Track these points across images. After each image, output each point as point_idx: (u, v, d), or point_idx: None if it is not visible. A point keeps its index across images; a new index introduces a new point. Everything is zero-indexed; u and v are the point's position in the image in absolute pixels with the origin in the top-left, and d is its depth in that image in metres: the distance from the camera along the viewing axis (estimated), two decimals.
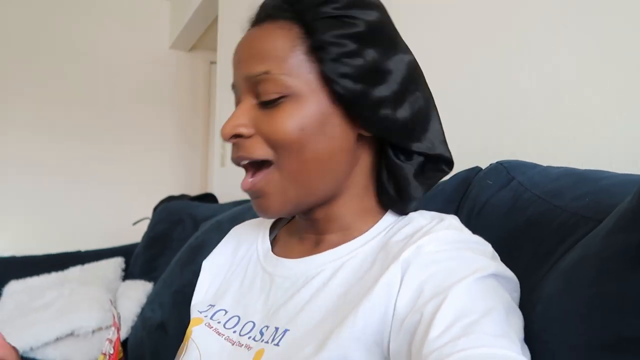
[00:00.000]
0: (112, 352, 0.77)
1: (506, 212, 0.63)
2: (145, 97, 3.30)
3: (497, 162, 0.74)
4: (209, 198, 2.15)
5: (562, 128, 0.81)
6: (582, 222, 0.51)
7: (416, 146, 0.53)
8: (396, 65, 0.52)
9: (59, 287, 1.60)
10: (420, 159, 0.54)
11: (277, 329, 0.51)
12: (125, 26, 3.25)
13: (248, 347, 0.52)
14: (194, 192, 2.81)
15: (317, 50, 0.49)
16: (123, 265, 1.82)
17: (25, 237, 2.81)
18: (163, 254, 1.70)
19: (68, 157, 3.02)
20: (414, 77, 0.54)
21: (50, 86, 2.99)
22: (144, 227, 2.01)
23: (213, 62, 3.46)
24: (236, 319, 0.57)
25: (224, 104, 2.40)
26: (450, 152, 0.56)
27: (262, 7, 0.55)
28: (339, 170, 0.53)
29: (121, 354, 0.84)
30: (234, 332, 0.55)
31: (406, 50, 0.55)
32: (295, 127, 0.49)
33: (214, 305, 0.62)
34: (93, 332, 1.42)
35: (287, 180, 0.51)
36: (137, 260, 1.79)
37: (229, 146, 2.44)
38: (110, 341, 0.79)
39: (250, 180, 0.53)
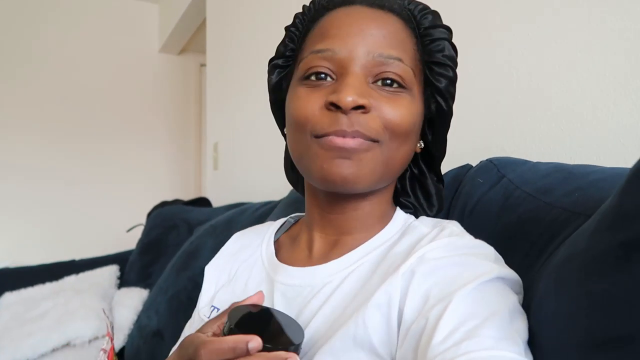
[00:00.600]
0: None
1: (497, 210, 0.63)
2: (136, 101, 3.29)
3: (487, 160, 0.74)
4: (203, 202, 2.15)
5: (551, 123, 0.81)
6: (572, 218, 0.51)
7: (439, 166, 0.61)
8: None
9: (54, 297, 1.59)
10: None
11: None
12: (115, 31, 3.24)
13: None
14: (187, 196, 2.80)
15: (425, 64, 0.55)
16: (118, 273, 1.81)
17: (16, 246, 2.79)
18: (158, 260, 1.69)
19: (58, 162, 2.99)
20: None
21: (40, 91, 2.97)
22: (138, 233, 2.00)
23: (203, 65, 3.45)
24: None
25: (215, 106, 2.39)
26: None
27: None
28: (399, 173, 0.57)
29: None
30: None
31: None
32: (412, 121, 0.52)
33: (217, 309, 0.61)
34: (89, 341, 1.41)
35: (382, 162, 0.51)
36: (132, 267, 1.79)
37: (221, 149, 2.41)
38: (105, 351, 0.79)
39: (354, 142, 0.48)
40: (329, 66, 0.50)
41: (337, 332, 0.45)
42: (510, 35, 0.88)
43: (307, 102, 0.50)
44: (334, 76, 0.51)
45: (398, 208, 0.60)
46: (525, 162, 0.70)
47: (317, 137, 0.50)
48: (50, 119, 2.98)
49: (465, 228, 0.54)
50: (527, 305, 0.45)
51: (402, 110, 0.50)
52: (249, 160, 1.99)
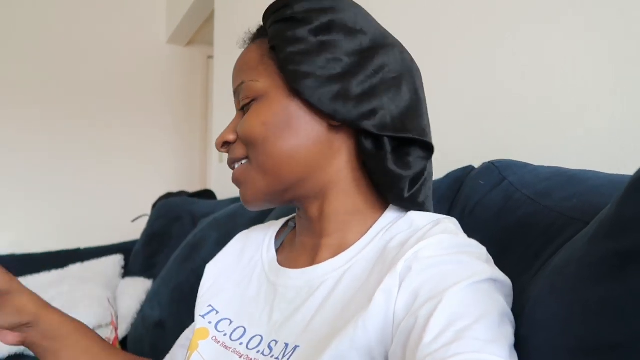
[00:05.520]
0: None
1: (497, 212, 0.64)
2: (143, 92, 3.29)
3: (489, 162, 0.75)
4: (208, 194, 2.16)
5: (555, 127, 0.82)
6: (569, 223, 0.51)
7: (377, 130, 0.52)
8: (344, 46, 0.53)
9: (59, 285, 1.61)
10: (391, 146, 0.53)
11: (286, 345, 0.51)
12: (122, 21, 3.24)
13: None
14: (192, 188, 2.81)
15: (273, 51, 0.55)
16: (122, 263, 1.83)
17: (24, 235, 2.81)
18: (162, 251, 1.71)
19: (65, 152, 3.01)
20: (367, 57, 0.54)
21: (46, 83, 2.97)
22: (143, 224, 2.02)
23: (210, 57, 3.45)
24: (242, 330, 0.57)
25: (222, 99, 2.40)
26: (421, 135, 0.54)
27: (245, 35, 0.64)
28: (311, 161, 0.54)
29: None
30: (241, 344, 0.55)
31: (361, 32, 0.55)
32: (258, 123, 0.54)
33: (217, 311, 0.61)
34: (93, 329, 1.43)
35: (256, 171, 0.56)
36: (137, 258, 1.80)
37: None
38: (109, 339, 0.81)
39: (236, 172, 0.59)
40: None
41: (337, 335, 0.46)
42: (514, 36, 0.89)
43: None
44: None
45: (391, 205, 0.57)
46: (527, 165, 0.70)
47: None
48: (57, 109, 2.99)
49: (464, 228, 0.54)
50: (521, 308, 0.45)
51: (247, 121, 0.55)
52: None
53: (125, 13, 3.25)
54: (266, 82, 0.55)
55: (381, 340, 0.45)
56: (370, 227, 0.55)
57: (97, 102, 3.13)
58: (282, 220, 0.70)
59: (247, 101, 0.56)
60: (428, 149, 0.56)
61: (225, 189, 2.20)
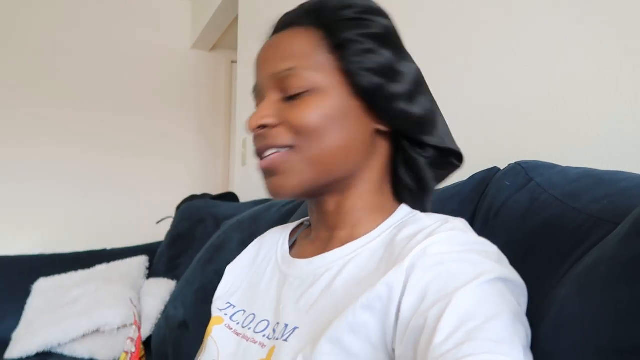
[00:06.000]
0: (133, 350, 0.79)
1: (523, 213, 0.63)
2: (168, 97, 3.35)
3: (515, 163, 0.73)
4: (230, 197, 2.18)
5: (583, 127, 0.80)
6: (599, 224, 0.50)
7: (428, 139, 0.57)
8: (407, 69, 0.57)
9: (85, 285, 1.64)
10: (432, 152, 0.58)
11: (286, 325, 0.53)
12: (147, 27, 3.30)
13: (262, 345, 0.54)
14: (215, 191, 2.84)
15: (339, 48, 0.54)
16: (147, 264, 1.86)
17: (54, 236, 2.88)
18: (185, 253, 1.72)
19: (93, 156, 3.08)
20: (421, 83, 0.59)
21: (73, 88, 3.05)
22: (167, 225, 2.04)
23: (234, 61, 3.48)
24: (252, 316, 0.59)
25: (245, 103, 2.42)
26: (459, 148, 0.60)
27: (284, 17, 0.60)
28: (354, 160, 0.56)
29: (143, 352, 0.86)
30: (249, 329, 0.58)
31: (412, 60, 0.59)
32: (318, 116, 0.53)
33: (233, 306, 0.64)
34: (118, 329, 1.46)
35: (305, 162, 0.54)
36: (161, 259, 1.83)
37: (250, 145, 2.45)
38: (132, 340, 0.82)
39: (269, 157, 0.55)
40: (259, 98, 0.58)
41: (336, 319, 0.47)
42: (542, 37, 0.87)
43: None
44: None
45: (403, 204, 0.59)
46: (555, 166, 0.69)
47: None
48: (84, 113, 3.07)
49: (489, 230, 0.54)
50: (547, 309, 0.44)
51: (305, 111, 0.53)
52: None
53: (151, 18, 3.33)
54: (326, 76, 0.54)
55: (380, 330, 0.45)
56: (381, 223, 0.57)
57: (124, 106, 3.19)
58: (298, 222, 0.71)
59: (299, 90, 0.54)
60: (459, 159, 0.60)
61: (247, 191, 2.21)
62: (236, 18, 2.68)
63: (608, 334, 0.35)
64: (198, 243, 1.66)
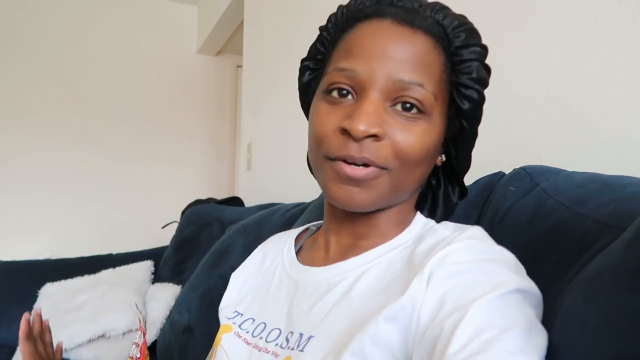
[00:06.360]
0: (138, 355, 0.79)
1: (529, 219, 0.62)
2: (173, 102, 3.36)
3: (520, 168, 0.73)
4: (235, 201, 2.18)
5: (588, 132, 0.79)
6: (605, 230, 0.50)
7: (462, 179, 0.61)
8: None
9: (92, 290, 1.65)
10: (458, 189, 0.62)
11: (301, 335, 0.51)
12: (153, 32, 3.32)
13: (275, 355, 0.52)
14: (220, 195, 2.85)
15: (453, 85, 0.53)
16: (152, 269, 1.86)
17: (60, 241, 2.90)
18: (191, 257, 1.73)
19: (98, 161, 3.10)
20: None
21: (79, 93, 3.07)
22: (172, 230, 2.05)
23: (239, 66, 3.50)
24: (262, 325, 0.58)
25: (250, 108, 2.43)
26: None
27: (416, 8, 0.53)
28: (418, 187, 0.58)
29: (148, 357, 0.86)
30: (261, 338, 0.56)
31: None
32: (424, 149, 0.51)
33: (241, 314, 0.63)
34: (124, 334, 1.46)
35: (391, 185, 0.51)
36: (166, 263, 1.83)
37: (254, 150, 2.45)
38: (137, 345, 0.82)
39: (364, 171, 0.49)
40: (350, 84, 0.51)
41: (358, 332, 0.46)
42: (548, 40, 0.87)
43: (324, 121, 0.51)
44: (355, 95, 0.51)
45: (418, 212, 0.59)
46: (560, 171, 0.68)
47: (329, 159, 0.51)
48: (90, 119, 3.09)
49: (495, 235, 0.53)
50: (553, 317, 0.44)
51: (415, 139, 0.50)
52: (282, 161, 2.01)
53: (157, 23, 3.35)
54: (437, 102, 0.51)
55: (403, 339, 0.45)
56: (399, 233, 0.56)
57: (129, 111, 3.21)
58: (303, 227, 0.70)
59: (418, 107, 0.50)
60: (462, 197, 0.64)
61: (252, 196, 2.22)
62: (242, 23, 2.69)
63: (612, 344, 0.35)
64: (203, 247, 1.66)
